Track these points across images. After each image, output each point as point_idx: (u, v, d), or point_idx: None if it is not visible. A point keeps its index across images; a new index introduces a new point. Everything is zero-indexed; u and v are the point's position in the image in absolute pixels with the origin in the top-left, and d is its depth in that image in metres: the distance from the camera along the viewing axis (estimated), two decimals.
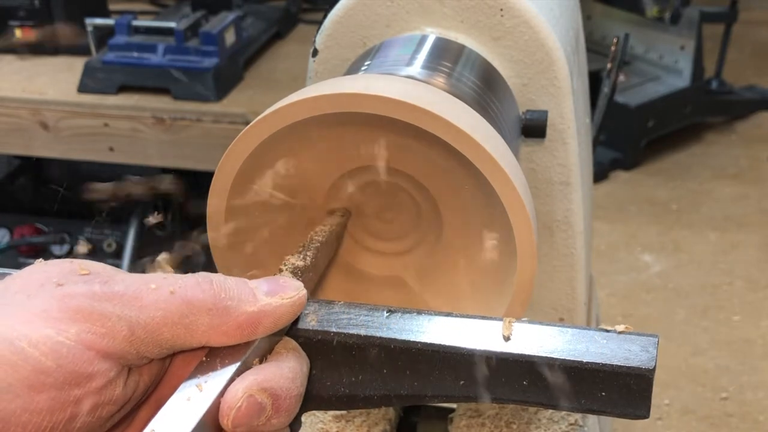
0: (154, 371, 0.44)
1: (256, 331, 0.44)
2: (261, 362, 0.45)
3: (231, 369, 0.43)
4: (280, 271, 0.52)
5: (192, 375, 0.42)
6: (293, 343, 0.47)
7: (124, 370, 0.41)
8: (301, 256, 0.54)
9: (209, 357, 0.43)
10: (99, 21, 1.69)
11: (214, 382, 0.42)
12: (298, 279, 0.51)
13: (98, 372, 0.40)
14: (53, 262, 0.43)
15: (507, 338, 0.44)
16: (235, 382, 0.42)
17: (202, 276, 0.44)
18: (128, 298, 0.41)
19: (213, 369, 0.43)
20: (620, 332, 0.44)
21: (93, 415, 0.40)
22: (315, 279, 0.54)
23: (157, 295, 0.42)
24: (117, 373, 0.41)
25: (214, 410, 0.41)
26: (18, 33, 1.74)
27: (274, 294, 0.45)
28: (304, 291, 0.46)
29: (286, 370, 0.44)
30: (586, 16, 3.05)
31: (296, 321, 0.47)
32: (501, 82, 0.72)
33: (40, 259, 0.44)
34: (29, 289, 0.41)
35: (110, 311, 0.40)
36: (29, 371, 0.38)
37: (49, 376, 0.38)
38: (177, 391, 0.41)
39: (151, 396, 0.45)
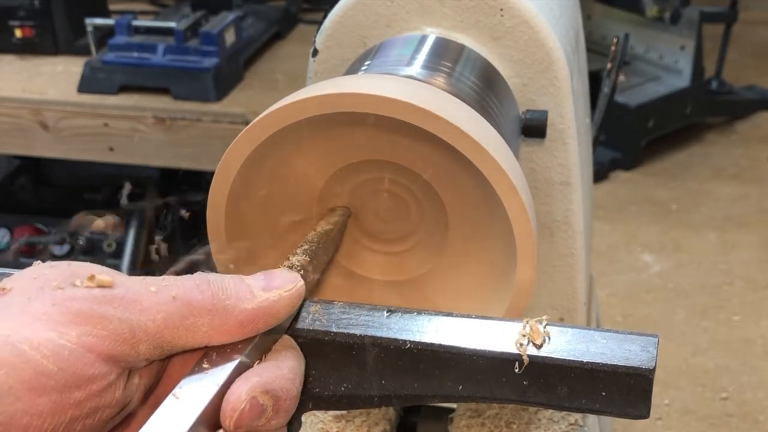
0: (153, 372, 0.44)
1: (256, 326, 0.44)
2: (260, 360, 0.45)
3: (228, 368, 0.42)
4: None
5: (188, 375, 0.42)
6: (291, 341, 0.47)
7: (124, 372, 0.42)
8: (302, 254, 0.54)
9: (207, 357, 0.43)
10: (99, 21, 1.69)
11: (210, 382, 0.42)
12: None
13: (99, 375, 0.40)
14: (52, 265, 0.43)
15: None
16: (237, 384, 0.42)
17: (199, 277, 0.44)
18: (128, 300, 0.41)
19: (210, 368, 0.42)
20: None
21: (93, 417, 0.40)
22: (316, 277, 0.54)
23: (158, 297, 0.42)
24: (117, 376, 0.41)
25: (210, 411, 0.41)
26: (18, 33, 1.74)
27: (271, 288, 0.45)
28: (301, 282, 0.46)
29: (286, 371, 0.44)
30: (586, 16, 3.05)
31: (296, 320, 0.47)
32: (501, 82, 0.72)
33: (38, 261, 0.44)
34: (29, 292, 0.41)
35: (111, 314, 0.40)
36: (30, 374, 0.38)
37: (51, 379, 0.38)
38: (172, 391, 0.41)
39: (149, 397, 0.45)
